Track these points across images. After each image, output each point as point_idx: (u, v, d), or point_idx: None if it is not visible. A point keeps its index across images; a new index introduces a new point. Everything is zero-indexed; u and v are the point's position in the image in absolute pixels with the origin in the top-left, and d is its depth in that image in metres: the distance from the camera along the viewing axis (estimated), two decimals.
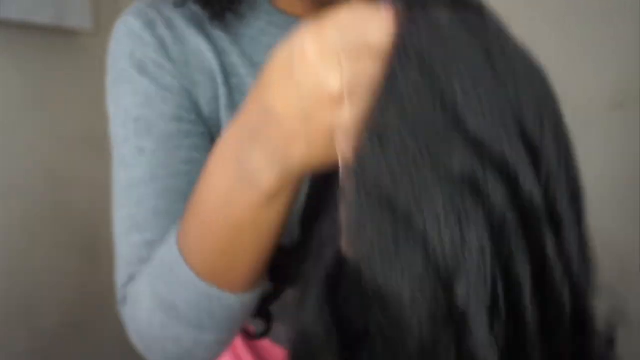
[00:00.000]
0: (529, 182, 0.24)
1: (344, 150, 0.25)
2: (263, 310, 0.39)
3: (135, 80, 0.42)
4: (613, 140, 1.21)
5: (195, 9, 0.43)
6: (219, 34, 0.43)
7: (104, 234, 1.23)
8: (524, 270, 0.26)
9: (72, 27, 1.03)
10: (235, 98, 0.43)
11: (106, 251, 1.25)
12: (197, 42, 0.42)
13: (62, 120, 1.07)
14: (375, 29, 0.25)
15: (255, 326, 0.44)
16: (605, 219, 1.29)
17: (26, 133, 0.96)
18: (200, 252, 0.31)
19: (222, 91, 0.42)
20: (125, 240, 0.44)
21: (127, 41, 0.42)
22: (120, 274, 0.43)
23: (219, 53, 0.43)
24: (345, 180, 0.25)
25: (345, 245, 0.26)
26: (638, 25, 1.16)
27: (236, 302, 0.33)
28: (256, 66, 0.43)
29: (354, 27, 0.25)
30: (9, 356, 0.92)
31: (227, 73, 0.43)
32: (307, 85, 0.25)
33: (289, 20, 0.44)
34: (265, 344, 0.51)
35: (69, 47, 1.09)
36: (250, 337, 0.46)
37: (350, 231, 0.25)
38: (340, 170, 0.25)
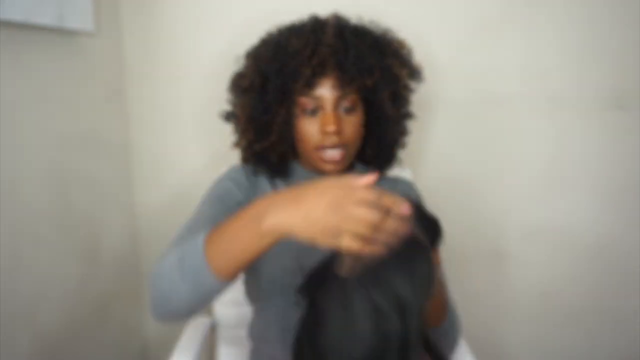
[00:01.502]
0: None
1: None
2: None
3: (222, 185, 0.87)
4: (613, 140, 1.21)
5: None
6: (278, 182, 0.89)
7: (105, 235, 1.24)
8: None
9: (73, 28, 1.03)
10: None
11: (107, 253, 1.26)
12: (264, 183, 0.89)
13: (63, 121, 1.07)
14: (359, 188, 0.54)
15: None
16: (605, 219, 1.29)
17: (27, 133, 0.96)
18: (213, 245, 0.59)
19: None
20: (179, 235, 0.73)
21: (230, 175, 0.89)
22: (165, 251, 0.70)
23: (274, 186, 0.89)
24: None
25: None
26: (638, 26, 1.16)
27: (214, 281, 0.59)
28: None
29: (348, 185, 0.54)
30: (10, 358, 0.92)
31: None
32: (318, 208, 0.53)
33: (310, 174, 0.88)
34: None
35: (70, 48, 1.09)
36: None
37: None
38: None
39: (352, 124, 0.81)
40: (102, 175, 1.22)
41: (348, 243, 0.52)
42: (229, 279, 0.59)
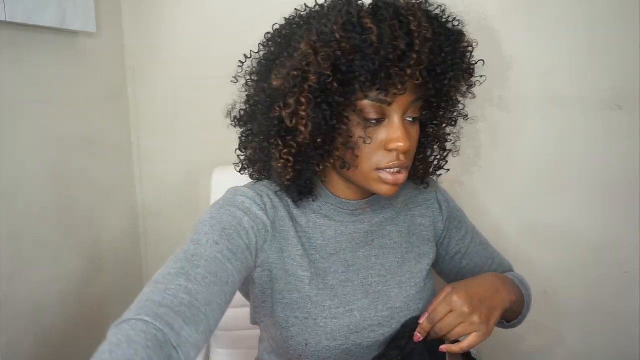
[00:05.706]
0: None
1: None
2: None
3: (231, 213, 0.66)
4: (613, 140, 1.21)
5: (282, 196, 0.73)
6: (296, 211, 0.73)
7: (107, 235, 1.24)
8: None
9: (75, 28, 1.03)
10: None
11: (109, 253, 1.26)
12: (283, 214, 0.71)
13: (64, 121, 1.07)
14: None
15: None
16: (605, 219, 1.29)
17: (28, 133, 0.97)
18: None
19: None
20: (166, 280, 0.54)
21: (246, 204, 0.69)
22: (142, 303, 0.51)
23: (294, 220, 0.72)
24: None
25: None
26: (638, 26, 1.16)
27: None
28: (315, 226, 0.73)
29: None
30: (13, 358, 0.92)
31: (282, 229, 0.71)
32: None
33: (339, 201, 0.73)
34: None
35: (71, 48, 1.09)
36: None
37: None
38: None
39: (415, 138, 0.66)
40: (103, 175, 1.22)
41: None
42: None
